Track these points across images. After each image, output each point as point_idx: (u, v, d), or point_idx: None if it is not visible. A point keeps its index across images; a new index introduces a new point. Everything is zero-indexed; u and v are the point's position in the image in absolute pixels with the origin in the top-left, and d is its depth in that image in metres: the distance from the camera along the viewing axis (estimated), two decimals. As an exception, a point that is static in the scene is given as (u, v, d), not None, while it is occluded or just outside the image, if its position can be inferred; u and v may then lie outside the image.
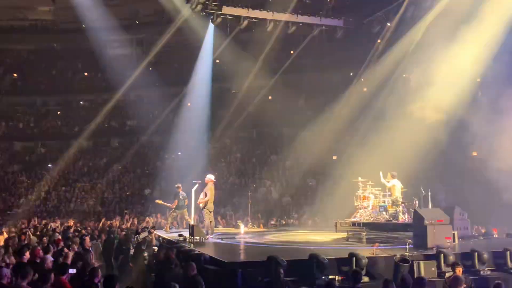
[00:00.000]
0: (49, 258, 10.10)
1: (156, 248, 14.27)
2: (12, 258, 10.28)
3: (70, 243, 13.01)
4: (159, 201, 19.37)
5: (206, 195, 15.39)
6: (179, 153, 30.83)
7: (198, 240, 13.90)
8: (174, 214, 18.18)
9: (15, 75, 39.66)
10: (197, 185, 15.85)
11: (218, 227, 20.03)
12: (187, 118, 30.34)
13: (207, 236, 14.80)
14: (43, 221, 22.23)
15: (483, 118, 25.90)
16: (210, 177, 15.63)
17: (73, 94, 39.14)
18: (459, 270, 9.25)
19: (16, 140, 37.11)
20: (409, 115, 25.34)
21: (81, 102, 39.76)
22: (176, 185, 18.42)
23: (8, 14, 37.01)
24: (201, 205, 15.53)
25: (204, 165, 24.77)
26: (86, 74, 39.58)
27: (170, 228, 17.74)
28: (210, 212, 15.60)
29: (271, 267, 9.20)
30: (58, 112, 38.88)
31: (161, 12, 28.87)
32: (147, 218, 23.46)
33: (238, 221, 20.11)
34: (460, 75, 21.59)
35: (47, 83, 38.94)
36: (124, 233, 17.00)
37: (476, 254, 10.87)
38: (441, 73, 22.71)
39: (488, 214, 19.59)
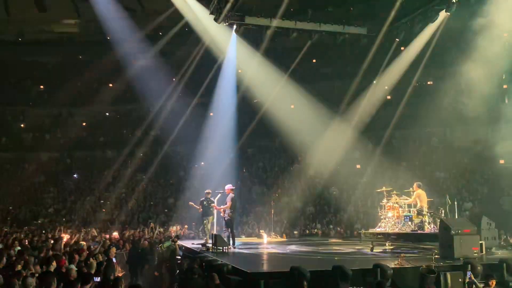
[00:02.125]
0: (73, 268, 10.17)
1: (179, 257, 14.30)
2: (38, 267, 10.37)
3: (95, 252, 13.11)
4: (191, 203, 18.89)
5: (226, 204, 15.36)
6: (202, 163, 30.93)
7: (221, 250, 13.87)
8: (205, 222, 17.79)
9: (41, 87, 40.45)
10: (219, 195, 15.83)
11: (241, 237, 20.00)
12: (210, 128, 30.47)
13: (230, 246, 14.75)
14: (69, 230, 22.48)
15: (509, 125, 25.48)
16: (229, 186, 15.60)
17: (98, 105, 39.66)
18: (492, 283, 9.01)
19: (43, 151, 37.71)
20: (433, 123, 25.11)
21: (106, 113, 40.29)
22: (206, 191, 18.00)
23: (35, 27, 37.79)
24: (221, 213, 15.51)
25: (227, 175, 24.76)
26: (110, 85, 40.12)
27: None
28: (232, 221, 15.55)
29: (294, 278, 9.11)
30: (84, 123, 39.44)
31: (184, 24, 29.06)
32: (171, 228, 23.57)
33: (261, 231, 20.03)
34: (486, 81, 21.27)
35: (72, 94, 39.53)
36: (147, 242, 17.03)
37: (504, 264, 10.58)
38: (465, 79, 22.45)
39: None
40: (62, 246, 15.42)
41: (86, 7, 28.12)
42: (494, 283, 9.12)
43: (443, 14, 18.96)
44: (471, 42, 21.47)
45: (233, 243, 15.55)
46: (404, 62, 25.58)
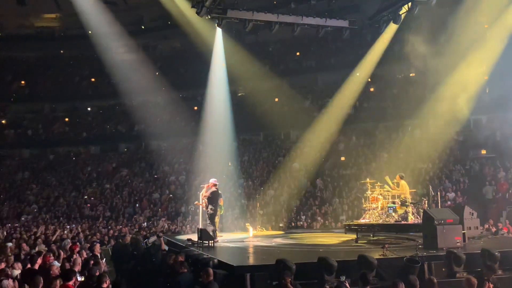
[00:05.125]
0: (56, 264, 10.10)
1: (165, 252, 14.23)
2: (20, 264, 10.27)
3: (79, 249, 13.01)
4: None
5: (208, 198, 15.27)
6: (187, 156, 30.83)
7: (207, 244, 13.85)
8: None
9: (22, 82, 39.95)
10: (204, 189, 15.80)
11: (226, 231, 19.98)
12: (194, 123, 30.39)
13: (216, 240, 14.74)
14: (51, 227, 22.24)
15: (491, 115, 25.80)
16: (213, 181, 15.56)
17: (80, 100, 39.37)
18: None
19: (25, 147, 37.31)
20: (417, 115, 25.28)
21: (88, 108, 39.98)
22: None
23: (14, 22, 37.29)
24: (208, 209, 15.42)
25: (212, 169, 24.73)
26: (92, 80, 39.81)
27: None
28: (216, 215, 15.51)
29: (280, 271, 9.13)
30: (66, 119, 39.10)
31: (166, 17, 28.90)
32: (160, 222, 23.55)
33: (246, 224, 20.05)
34: (467, 73, 21.49)
35: (54, 90, 39.17)
36: (132, 238, 16.88)
37: (487, 253, 10.65)
38: (447, 71, 22.64)
39: (498, 212, 19.46)
40: (43, 245, 15.24)
41: (66, 1, 27.74)
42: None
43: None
44: (451, 33, 21.67)
45: (216, 237, 15.47)
46: (387, 55, 25.74)
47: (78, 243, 15.21)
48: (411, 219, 15.35)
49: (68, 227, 23.12)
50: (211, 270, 8.94)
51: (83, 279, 9.24)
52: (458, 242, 12.04)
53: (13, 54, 38.83)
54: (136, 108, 34.87)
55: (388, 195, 16.19)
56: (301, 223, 23.05)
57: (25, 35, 38.42)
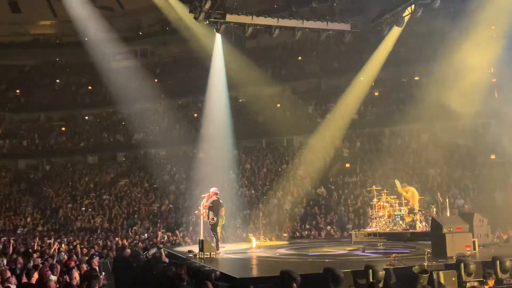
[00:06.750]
0: (53, 278, 9.76)
1: (165, 264, 13.88)
2: (14, 278, 9.94)
3: (77, 262, 12.68)
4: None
5: (209, 208, 14.87)
6: (188, 165, 30.42)
7: (209, 256, 13.50)
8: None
9: (18, 91, 39.68)
10: (205, 199, 15.41)
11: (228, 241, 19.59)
12: (194, 130, 30.07)
13: (218, 251, 14.36)
14: (48, 241, 21.68)
15: (500, 119, 25.37)
16: (213, 190, 15.19)
17: (77, 109, 39.08)
18: (491, 282, 8.75)
19: (20, 158, 36.94)
20: (423, 119, 24.92)
21: (86, 117, 39.65)
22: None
23: (9, 29, 37.08)
24: (209, 219, 15.02)
25: (213, 177, 24.30)
26: (90, 88, 39.53)
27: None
28: (218, 226, 15.13)
29: (284, 282, 8.74)
30: (63, 128, 38.76)
31: (164, 22, 28.64)
32: (161, 233, 23.11)
33: (249, 234, 19.66)
34: (474, 77, 21.13)
35: (50, 98, 38.90)
36: (131, 250, 16.52)
37: (498, 262, 10.31)
38: (453, 75, 22.32)
39: (509, 219, 18.97)
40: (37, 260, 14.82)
41: (62, 8, 27.45)
42: (493, 282, 8.78)
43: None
44: (459, 36, 21.37)
45: (217, 248, 15.05)
46: (391, 58, 25.40)
47: (75, 256, 14.86)
48: (419, 227, 15.10)
49: (65, 239, 22.60)
50: (210, 284, 8.61)
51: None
52: (468, 250, 11.78)
53: (8, 62, 38.59)
54: (134, 116, 34.55)
55: (395, 203, 15.89)
56: (306, 232, 22.60)
57: (20, 42, 38.29)
